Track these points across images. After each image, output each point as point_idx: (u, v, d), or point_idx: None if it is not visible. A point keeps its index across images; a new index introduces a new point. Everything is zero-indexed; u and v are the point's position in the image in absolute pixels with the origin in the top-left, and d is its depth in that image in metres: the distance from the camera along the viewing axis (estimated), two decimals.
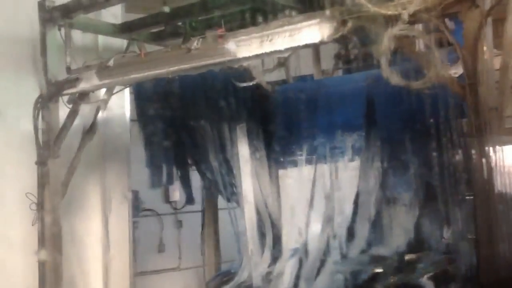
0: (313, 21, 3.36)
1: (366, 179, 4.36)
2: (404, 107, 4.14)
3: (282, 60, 4.00)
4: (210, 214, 6.11)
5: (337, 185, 4.52)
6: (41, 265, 4.95)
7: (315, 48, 5.79)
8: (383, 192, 4.35)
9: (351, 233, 4.46)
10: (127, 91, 5.70)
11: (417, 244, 4.32)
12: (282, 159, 4.86)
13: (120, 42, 5.78)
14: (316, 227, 4.59)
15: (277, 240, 5.13)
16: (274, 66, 4.11)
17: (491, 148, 2.86)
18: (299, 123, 4.74)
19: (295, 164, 4.75)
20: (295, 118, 4.78)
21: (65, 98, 4.90)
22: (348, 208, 4.43)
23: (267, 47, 3.56)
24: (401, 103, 4.07)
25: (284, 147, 4.84)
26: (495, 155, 2.83)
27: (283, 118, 4.89)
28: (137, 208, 6.67)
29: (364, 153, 4.36)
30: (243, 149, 5.11)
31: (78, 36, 5.17)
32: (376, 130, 4.32)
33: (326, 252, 4.52)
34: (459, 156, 3.84)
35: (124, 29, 5.40)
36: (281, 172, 4.88)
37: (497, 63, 3.06)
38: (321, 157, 4.60)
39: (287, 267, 4.62)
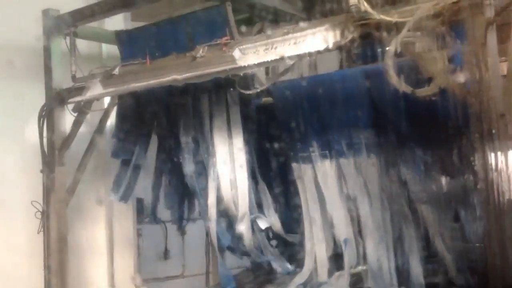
0: (318, 29, 3.37)
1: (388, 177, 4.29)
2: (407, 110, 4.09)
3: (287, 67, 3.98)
4: None
5: (362, 181, 4.37)
6: (47, 272, 4.95)
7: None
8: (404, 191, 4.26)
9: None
10: None
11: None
12: (292, 154, 4.71)
13: None
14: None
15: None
16: (277, 74, 4.08)
17: (498, 154, 2.87)
18: (303, 118, 4.58)
19: (309, 160, 4.58)
20: (298, 113, 4.61)
21: (70, 106, 4.93)
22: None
23: (272, 55, 3.57)
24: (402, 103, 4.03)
25: (292, 142, 4.68)
26: (503, 161, 2.83)
27: (284, 114, 4.71)
28: (142, 215, 6.66)
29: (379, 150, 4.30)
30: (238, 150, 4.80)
31: (82, 44, 5.19)
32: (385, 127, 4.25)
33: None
34: (466, 162, 3.83)
35: None
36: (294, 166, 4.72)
37: (503, 69, 3.08)
38: (340, 152, 4.45)
39: (346, 258, 4.43)
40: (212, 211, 4.79)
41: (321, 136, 4.55)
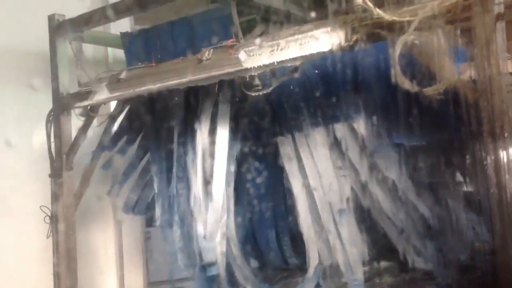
0: (323, 30, 3.36)
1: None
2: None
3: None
4: None
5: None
6: (56, 277, 4.97)
7: None
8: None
9: None
10: None
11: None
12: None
13: None
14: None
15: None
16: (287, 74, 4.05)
17: (505, 153, 2.85)
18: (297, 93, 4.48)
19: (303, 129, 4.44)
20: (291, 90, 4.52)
21: (77, 111, 4.94)
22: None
23: (278, 57, 3.56)
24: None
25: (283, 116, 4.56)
26: (510, 160, 2.81)
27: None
28: (150, 218, 6.68)
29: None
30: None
31: (87, 48, 5.21)
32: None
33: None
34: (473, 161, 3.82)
35: None
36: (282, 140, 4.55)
37: (510, 66, 3.06)
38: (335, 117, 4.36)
39: (341, 230, 4.31)
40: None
41: (314, 108, 4.44)
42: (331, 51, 3.34)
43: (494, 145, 2.87)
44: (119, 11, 4.56)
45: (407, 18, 3.01)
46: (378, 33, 3.16)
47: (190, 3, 4.79)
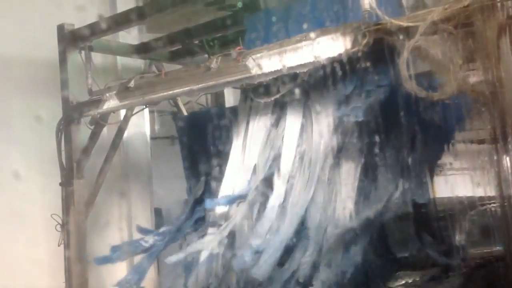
0: (331, 36, 3.37)
1: None
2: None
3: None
4: None
5: None
6: (68, 285, 4.99)
7: None
8: None
9: None
10: (146, 110, 5.79)
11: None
12: None
13: (138, 62, 5.86)
14: None
15: None
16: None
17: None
18: None
19: None
20: None
21: (87, 119, 4.99)
22: None
23: (286, 63, 3.58)
24: None
25: None
26: None
27: None
28: (160, 225, 6.70)
29: None
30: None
31: (97, 57, 5.25)
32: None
33: None
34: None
35: (142, 49, 5.47)
36: None
37: None
38: None
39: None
40: None
41: None
42: (339, 56, 3.36)
43: (504, 147, 2.88)
44: (128, 20, 4.62)
45: (414, 24, 3.03)
46: (384, 39, 3.18)
47: (198, 10, 4.83)
